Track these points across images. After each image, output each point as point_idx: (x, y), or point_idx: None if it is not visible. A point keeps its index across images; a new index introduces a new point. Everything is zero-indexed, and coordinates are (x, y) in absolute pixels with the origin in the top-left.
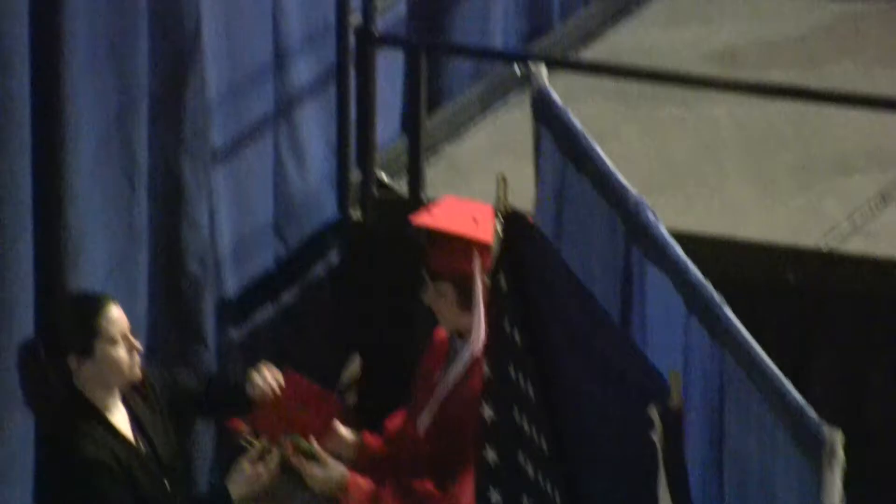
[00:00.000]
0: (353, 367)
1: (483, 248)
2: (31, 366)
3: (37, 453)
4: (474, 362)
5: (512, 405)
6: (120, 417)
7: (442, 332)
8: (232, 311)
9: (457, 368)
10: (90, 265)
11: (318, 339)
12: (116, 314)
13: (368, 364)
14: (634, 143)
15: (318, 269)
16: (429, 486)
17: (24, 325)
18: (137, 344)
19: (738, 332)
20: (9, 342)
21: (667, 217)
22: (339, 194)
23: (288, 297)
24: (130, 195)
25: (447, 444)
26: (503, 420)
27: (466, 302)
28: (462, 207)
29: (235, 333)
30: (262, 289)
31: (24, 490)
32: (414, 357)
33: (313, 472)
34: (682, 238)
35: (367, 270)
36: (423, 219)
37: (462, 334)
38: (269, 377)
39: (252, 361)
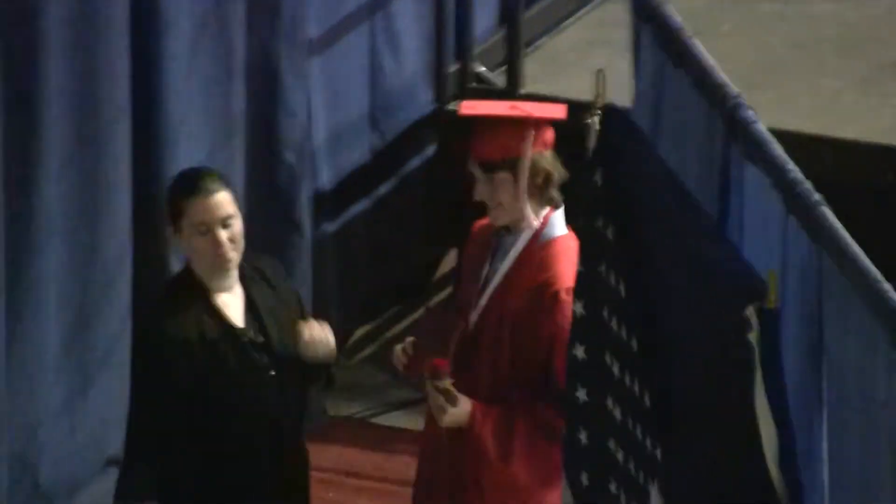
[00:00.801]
0: (450, 260)
1: (535, 128)
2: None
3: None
4: (528, 251)
5: (602, 302)
6: (228, 297)
7: (480, 227)
8: (326, 202)
9: (507, 261)
10: (186, 152)
11: (412, 231)
12: (205, 204)
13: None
14: (734, 38)
15: (413, 161)
16: (550, 409)
17: (122, 210)
18: (223, 238)
19: (838, 232)
20: (106, 228)
21: (766, 114)
22: (435, 86)
23: (383, 188)
24: (227, 83)
25: (509, 342)
26: (591, 317)
27: (529, 189)
28: (494, 103)
29: (330, 225)
30: (356, 180)
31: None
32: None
33: (446, 406)
34: (780, 136)
35: (462, 162)
36: (471, 108)
37: (517, 226)
38: (315, 331)
39: (346, 253)
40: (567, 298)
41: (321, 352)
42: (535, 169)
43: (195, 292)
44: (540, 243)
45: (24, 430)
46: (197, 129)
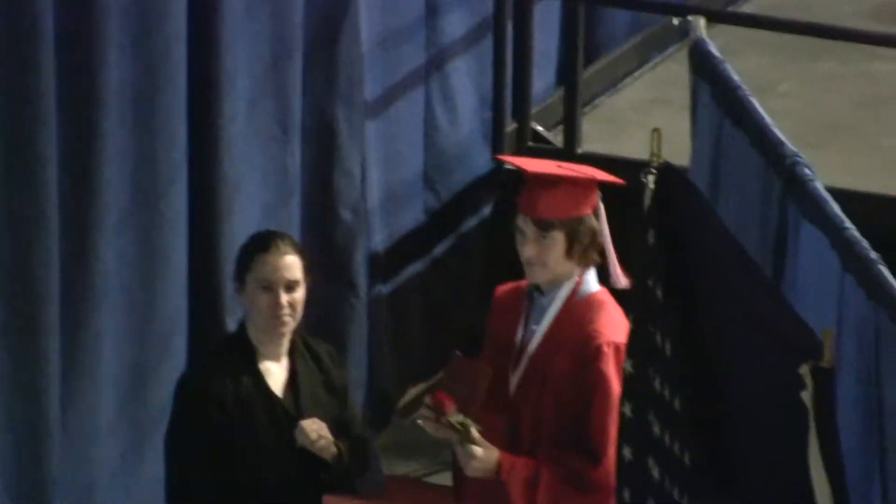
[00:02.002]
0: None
1: (593, 188)
2: None
3: None
4: (567, 308)
5: (648, 361)
6: (274, 365)
7: (504, 293)
8: (382, 262)
9: (547, 319)
10: (244, 211)
11: (468, 292)
12: (274, 262)
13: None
14: (792, 97)
15: (470, 221)
16: (578, 457)
17: (179, 269)
18: (283, 301)
19: (895, 290)
20: (163, 286)
21: (823, 173)
22: (493, 145)
23: (439, 249)
24: (284, 142)
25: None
26: (639, 376)
27: (574, 249)
28: (540, 161)
29: (385, 285)
30: (412, 240)
31: None
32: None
33: (472, 454)
34: (838, 195)
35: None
36: (528, 164)
37: (550, 284)
38: (309, 432)
39: (401, 314)
40: (608, 351)
41: (303, 442)
42: (585, 231)
43: (243, 352)
44: (578, 299)
45: (78, 492)
46: (254, 188)
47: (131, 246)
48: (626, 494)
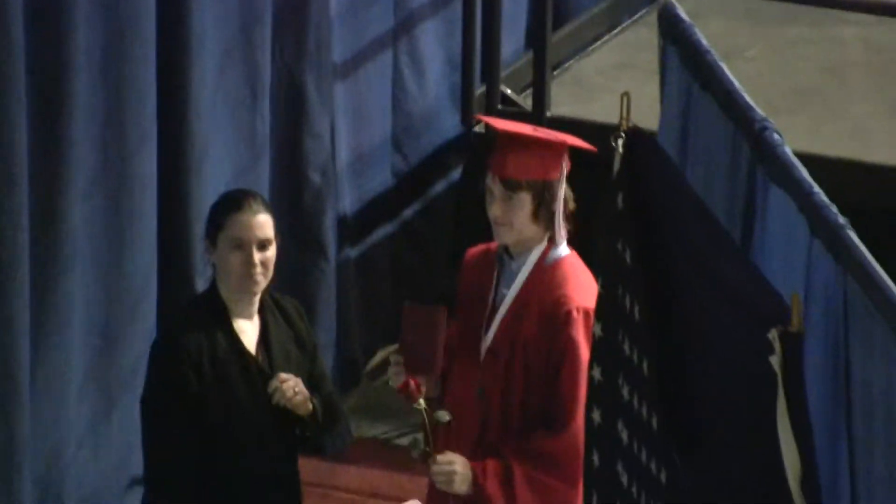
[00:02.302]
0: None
1: (564, 153)
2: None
3: None
4: (536, 273)
5: (617, 325)
6: (246, 323)
7: (475, 255)
8: (350, 225)
9: (517, 284)
10: (212, 173)
11: (437, 255)
12: (248, 220)
13: None
14: (760, 62)
15: (438, 185)
16: (542, 438)
17: (148, 232)
18: (256, 259)
19: (863, 256)
20: (131, 249)
21: (792, 138)
22: (462, 107)
23: (407, 212)
24: (253, 105)
25: (523, 365)
26: (608, 339)
27: (541, 212)
28: (515, 122)
29: (353, 248)
30: (380, 203)
31: None
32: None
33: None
34: (807, 160)
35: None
36: (501, 123)
37: (519, 248)
38: (285, 389)
39: (369, 277)
40: (577, 317)
41: (279, 399)
42: (552, 195)
43: (215, 312)
44: (547, 264)
45: (48, 453)
46: (223, 151)
47: (100, 208)
48: (596, 458)
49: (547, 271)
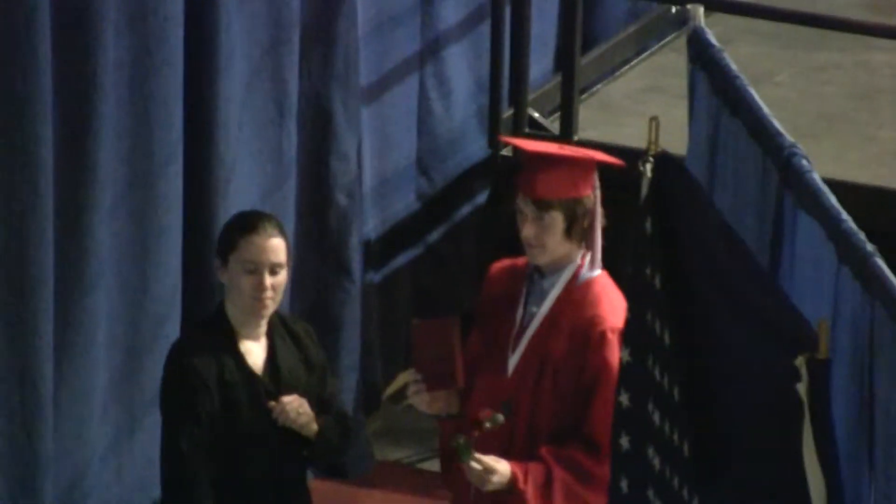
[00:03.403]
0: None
1: (594, 170)
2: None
3: None
4: (568, 292)
5: (647, 351)
6: (253, 345)
7: (501, 270)
8: (374, 248)
9: (548, 302)
10: (239, 193)
11: (460, 279)
12: (260, 244)
13: None
14: (789, 87)
15: (463, 208)
16: (582, 454)
17: (173, 251)
18: (267, 283)
19: (891, 284)
20: (157, 268)
21: (821, 164)
22: (489, 131)
23: (432, 235)
24: (280, 125)
25: (552, 384)
26: (637, 364)
27: (574, 230)
28: (541, 142)
29: (377, 272)
30: (404, 226)
31: None
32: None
33: (493, 468)
34: (835, 186)
35: (514, 209)
36: (529, 144)
37: (551, 266)
38: (289, 410)
39: (392, 300)
40: (612, 338)
41: (283, 421)
42: (584, 212)
43: (223, 333)
44: (579, 283)
45: (70, 472)
46: (250, 171)
47: (126, 227)
48: (625, 484)
49: (579, 291)
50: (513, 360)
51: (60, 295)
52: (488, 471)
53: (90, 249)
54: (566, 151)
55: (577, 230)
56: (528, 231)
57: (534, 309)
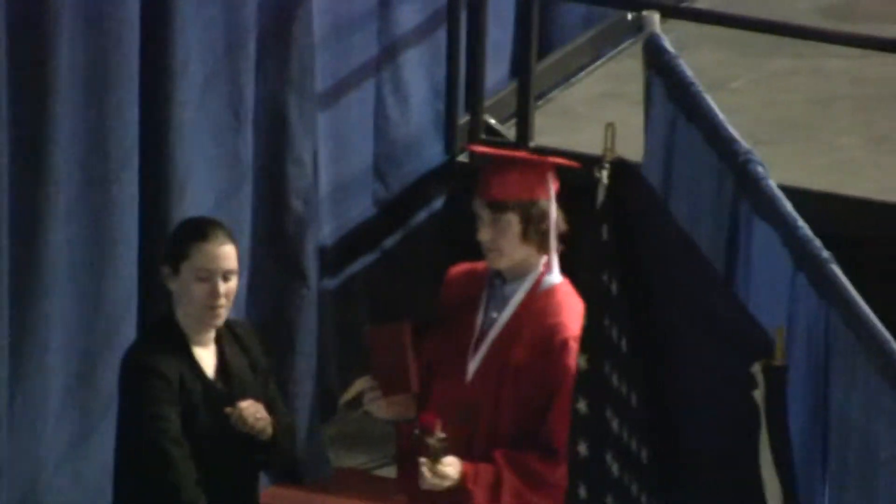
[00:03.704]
0: None
1: (550, 173)
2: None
3: None
4: (530, 299)
5: (603, 358)
6: (204, 352)
7: (459, 274)
8: (330, 253)
9: (509, 308)
10: (195, 198)
11: (417, 285)
12: (213, 251)
13: None
14: (745, 94)
15: (420, 214)
16: (536, 459)
17: (129, 255)
18: (222, 290)
19: (846, 290)
20: (113, 272)
21: (777, 171)
22: (446, 137)
23: (388, 241)
24: (236, 129)
25: (512, 391)
26: (594, 371)
27: (530, 233)
28: (504, 149)
29: (333, 278)
30: (361, 232)
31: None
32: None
33: (445, 474)
34: (791, 192)
35: (471, 215)
36: (486, 149)
37: (512, 273)
38: (247, 416)
39: (348, 306)
40: (574, 346)
41: (241, 427)
42: (540, 215)
43: (175, 339)
44: (541, 291)
45: (25, 478)
46: (206, 176)
47: (81, 231)
48: (582, 490)
49: (541, 298)
50: (472, 366)
51: (16, 299)
52: (448, 475)
53: (45, 254)
54: (520, 155)
55: (532, 232)
56: (484, 234)
57: (494, 314)
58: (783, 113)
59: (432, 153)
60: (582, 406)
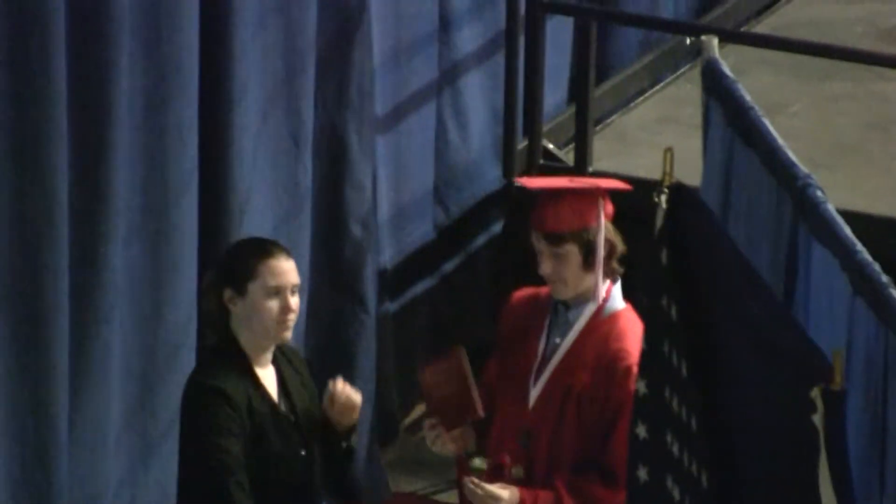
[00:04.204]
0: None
1: (601, 200)
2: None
3: None
4: (593, 324)
5: (664, 382)
6: (265, 373)
7: (522, 299)
8: (390, 277)
9: (573, 334)
10: (254, 224)
11: (476, 309)
12: (281, 267)
13: None
14: (803, 118)
15: (479, 238)
16: (597, 485)
17: (188, 280)
18: (293, 305)
19: None
20: (171, 298)
21: (835, 195)
22: (503, 162)
23: (447, 265)
24: (295, 155)
25: (575, 416)
26: (654, 395)
27: (590, 261)
28: (549, 178)
29: (392, 302)
30: (420, 256)
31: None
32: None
33: (499, 496)
34: (849, 217)
35: (529, 239)
36: (536, 182)
37: (576, 298)
38: (339, 392)
39: (408, 330)
40: (636, 372)
41: (341, 411)
42: (598, 239)
43: (238, 362)
44: (604, 317)
45: (85, 500)
46: (264, 201)
47: (141, 256)
48: None
49: (604, 323)
50: (535, 392)
51: (76, 324)
52: (492, 496)
53: (105, 279)
54: (571, 183)
55: (594, 260)
56: (545, 268)
57: (557, 340)
58: (840, 137)
59: (491, 177)
60: (641, 431)
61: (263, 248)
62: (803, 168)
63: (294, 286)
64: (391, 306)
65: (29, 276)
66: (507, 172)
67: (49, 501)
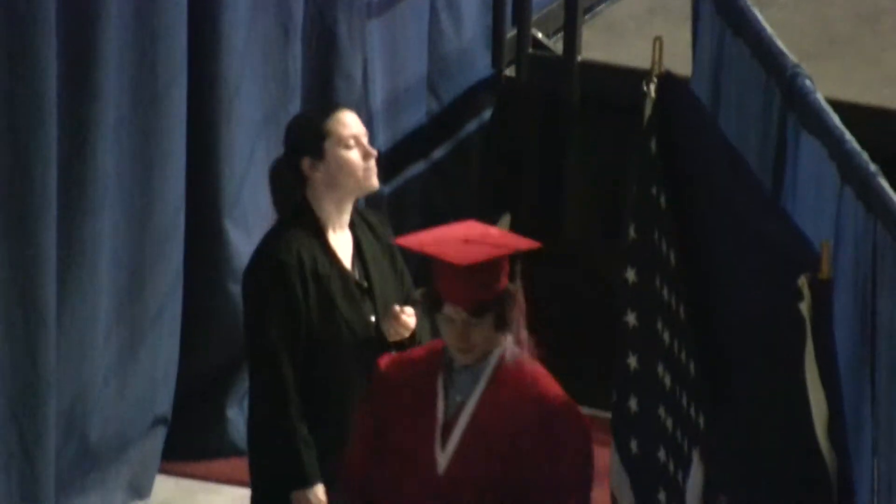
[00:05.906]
0: (504, 225)
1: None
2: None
3: None
4: (501, 375)
5: (653, 269)
6: (340, 240)
7: (396, 366)
8: (383, 165)
9: (480, 387)
10: (243, 114)
11: (466, 195)
12: (348, 119)
13: (517, 222)
14: (792, 9)
15: (470, 126)
16: None
17: (177, 170)
18: (371, 149)
19: (894, 203)
20: (160, 188)
21: (824, 85)
22: (493, 51)
23: (439, 152)
24: (285, 45)
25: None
26: (644, 283)
27: (504, 322)
28: (443, 234)
29: (386, 188)
30: (413, 144)
31: None
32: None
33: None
34: (838, 107)
35: (518, 127)
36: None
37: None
38: (399, 322)
39: (399, 215)
40: (574, 408)
41: (393, 334)
42: (512, 298)
43: (311, 228)
44: (509, 362)
45: (74, 390)
46: (254, 91)
47: (129, 147)
48: (633, 403)
49: (513, 370)
50: (444, 456)
51: (64, 215)
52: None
53: (93, 169)
54: (482, 251)
55: (505, 321)
56: (459, 340)
57: (458, 398)
58: (831, 28)
59: (482, 66)
60: (631, 319)
61: (329, 109)
62: (792, 58)
63: (365, 133)
64: (384, 190)
65: (18, 167)
66: (497, 61)
67: (37, 390)
